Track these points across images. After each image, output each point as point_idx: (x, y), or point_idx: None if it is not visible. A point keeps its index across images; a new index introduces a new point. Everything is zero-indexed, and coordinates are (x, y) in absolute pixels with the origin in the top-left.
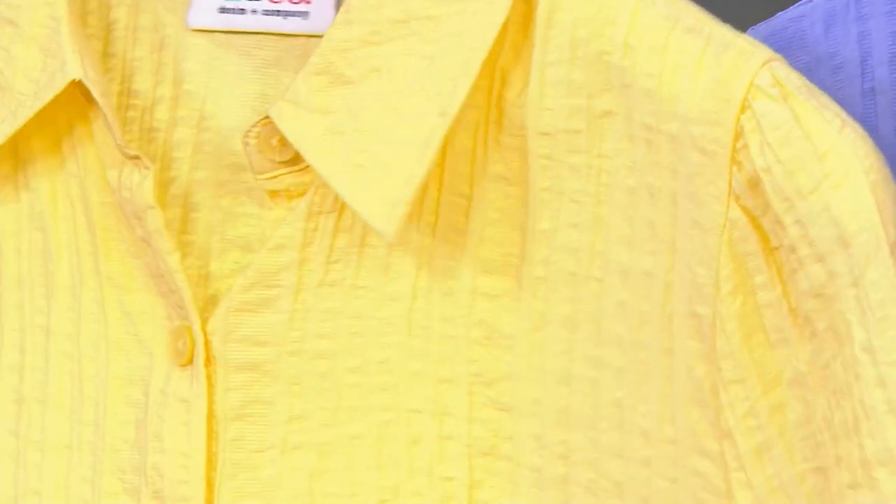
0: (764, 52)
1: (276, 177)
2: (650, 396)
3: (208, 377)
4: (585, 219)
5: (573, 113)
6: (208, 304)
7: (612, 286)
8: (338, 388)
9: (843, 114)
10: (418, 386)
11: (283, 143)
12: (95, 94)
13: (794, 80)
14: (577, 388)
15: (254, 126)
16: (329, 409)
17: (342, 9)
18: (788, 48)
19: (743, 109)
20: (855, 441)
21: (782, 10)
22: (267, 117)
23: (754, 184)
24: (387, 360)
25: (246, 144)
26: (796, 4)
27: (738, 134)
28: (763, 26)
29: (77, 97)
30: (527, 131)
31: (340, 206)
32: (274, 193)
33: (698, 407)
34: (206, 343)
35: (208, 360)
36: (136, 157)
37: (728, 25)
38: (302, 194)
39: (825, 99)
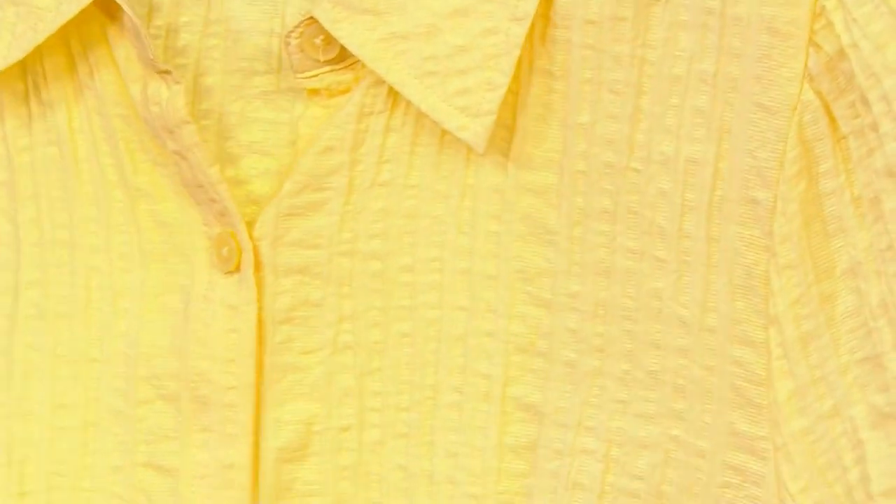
0: None
1: (317, 75)
2: (692, 285)
3: (256, 282)
4: (625, 110)
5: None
6: (251, 209)
7: (654, 176)
8: (389, 287)
9: None
10: (465, 283)
11: (328, 41)
12: (125, 6)
13: None
14: (617, 280)
15: (297, 26)
16: (379, 308)
17: None
18: None
19: None
20: None
21: None
22: (311, 17)
23: (832, 66)
24: (437, 258)
25: (287, 44)
26: None
27: (818, 14)
28: None
29: (95, 15)
30: (573, 21)
31: (391, 106)
32: (314, 92)
33: (744, 294)
34: (255, 249)
35: (257, 266)
36: (167, 72)
37: None
38: (343, 92)
39: None
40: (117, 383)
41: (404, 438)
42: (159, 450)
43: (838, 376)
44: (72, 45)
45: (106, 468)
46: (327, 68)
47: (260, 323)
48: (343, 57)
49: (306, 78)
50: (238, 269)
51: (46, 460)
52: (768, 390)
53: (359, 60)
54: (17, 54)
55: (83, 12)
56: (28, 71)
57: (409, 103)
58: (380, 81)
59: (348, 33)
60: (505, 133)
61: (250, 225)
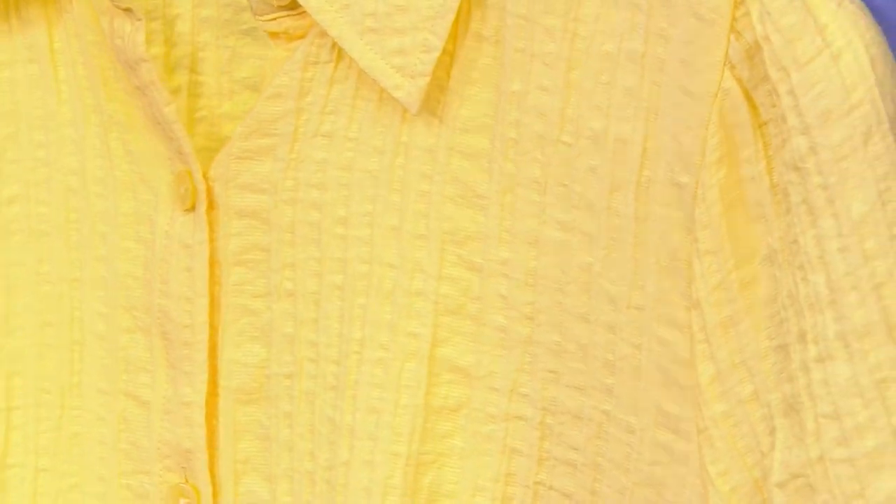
0: None
1: (275, 19)
2: (620, 263)
3: (210, 223)
4: (556, 83)
5: None
6: (223, 146)
7: (583, 151)
8: (325, 238)
9: None
10: (394, 241)
11: None
12: None
13: None
14: (546, 251)
15: None
16: (317, 258)
17: None
18: None
19: None
20: (829, 314)
21: None
22: None
23: (752, 54)
24: (369, 213)
25: None
26: None
27: (739, 2)
28: None
29: None
30: None
31: (336, 57)
32: (274, 35)
33: (670, 276)
34: (209, 190)
35: (210, 206)
36: (128, 9)
37: None
38: (302, 36)
39: None
40: (99, 307)
41: (333, 391)
42: (137, 380)
43: (758, 361)
44: None
45: (92, 389)
46: (283, 13)
47: (215, 263)
48: (295, 4)
49: (265, 21)
50: (193, 208)
51: (34, 376)
52: (692, 372)
53: None
54: None
55: None
56: None
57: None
58: (326, 32)
59: None
60: (439, 94)
61: (209, 165)
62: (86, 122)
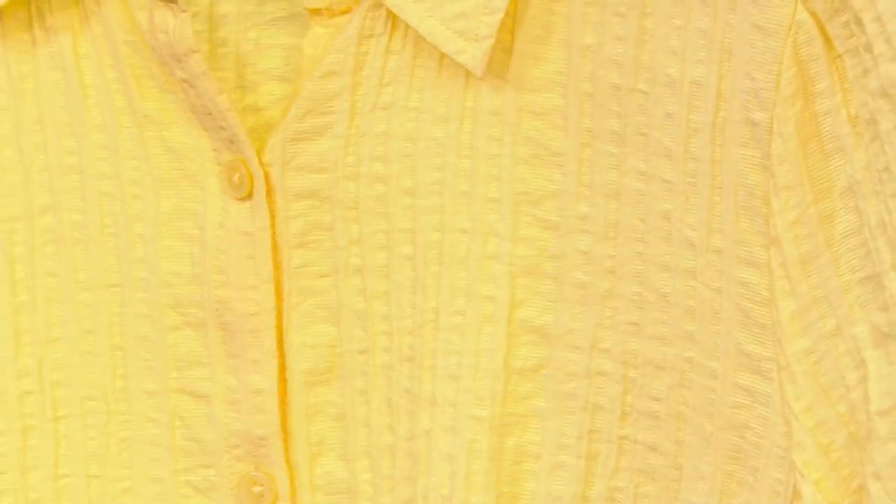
0: None
1: None
2: (698, 207)
3: (269, 208)
4: (630, 31)
5: None
6: (262, 135)
7: (660, 98)
8: (392, 210)
9: None
10: (466, 206)
11: None
12: None
13: None
14: (627, 202)
15: None
16: (384, 231)
17: None
18: None
19: None
20: None
21: None
22: None
23: None
24: (438, 181)
25: None
26: None
27: None
28: None
29: None
30: None
31: (391, 28)
32: (315, 12)
33: (748, 215)
34: (265, 175)
35: (268, 192)
36: (171, 2)
37: None
38: (344, 12)
39: None
40: (141, 309)
41: (409, 362)
42: (191, 376)
43: (840, 295)
44: None
45: (139, 392)
46: None
47: (275, 248)
48: None
49: None
50: (250, 195)
51: (78, 384)
52: (772, 310)
53: None
54: None
55: None
56: (32, 1)
57: (408, 25)
58: (378, 3)
59: None
60: (503, 56)
61: (261, 151)
62: (117, 125)
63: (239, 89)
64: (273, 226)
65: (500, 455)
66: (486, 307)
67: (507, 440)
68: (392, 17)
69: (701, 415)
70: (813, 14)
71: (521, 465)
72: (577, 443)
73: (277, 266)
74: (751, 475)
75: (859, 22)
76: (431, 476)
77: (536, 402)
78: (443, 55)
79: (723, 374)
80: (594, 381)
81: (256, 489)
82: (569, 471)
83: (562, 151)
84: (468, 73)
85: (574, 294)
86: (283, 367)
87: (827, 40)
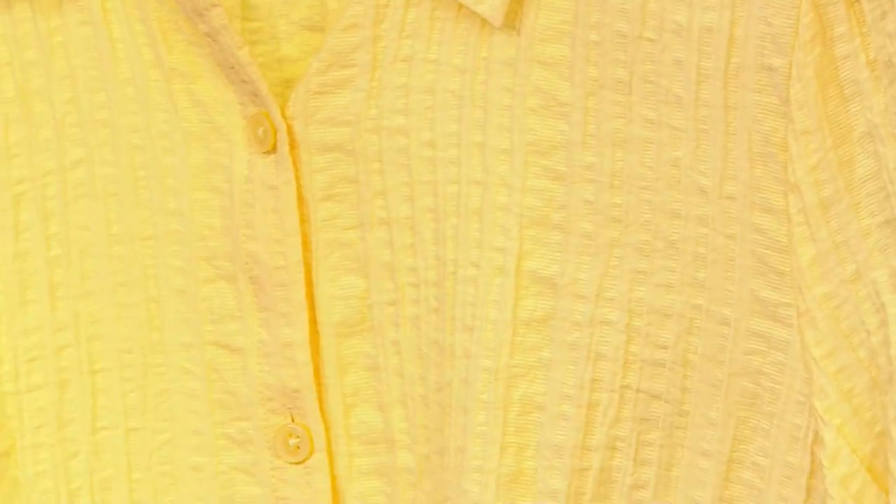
0: None
1: None
2: (711, 154)
3: (293, 161)
4: None
5: None
6: (286, 89)
7: (668, 45)
8: (413, 162)
9: None
10: (479, 158)
11: None
12: None
13: None
14: (634, 150)
15: None
16: (407, 183)
17: None
18: None
19: None
20: None
21: None
22: None
23: None
24: (455, 133)
25: None
26: None
27: None
28: None
29: None
30: None
31: None
32: None
33: (763, 162)
34: (289, 128)
35: (292, 145)
36: None
37: None
38: None
39: None
40: (175, 262)
41: (436, 314)
42: (225, 329)
43: (860, 240)
44: None
45: (175, 345)
46: None
47: (301, 201)
48: None
49: None
50: (274, 149)
51: (114, 338)
52: (790, 257)
53: None
54: None
55: None
56: None
57: None
58: None
59: None
60: (516, 6)
61: (285, 105)
62: (146, 79)
63: (273, 40)
64: (298, 179)
65: (507, 406)
66: (497, 258)
67: (514, 391)
68: None
69: (710, 362)
70: None
71: (528, 416)
72: (579, 392)
73: (304, 219)
74: (766, 421)
75: None
76: (452, 427)
77: (543, 353)
78: (460, 6)
79: (735, 321)
80: (598, 331)
81: (293, 441)
82: (570, 420)
83: (568, 101)
84: (483, 24)
85: (581, 244)
86: (314, 320)
87: None
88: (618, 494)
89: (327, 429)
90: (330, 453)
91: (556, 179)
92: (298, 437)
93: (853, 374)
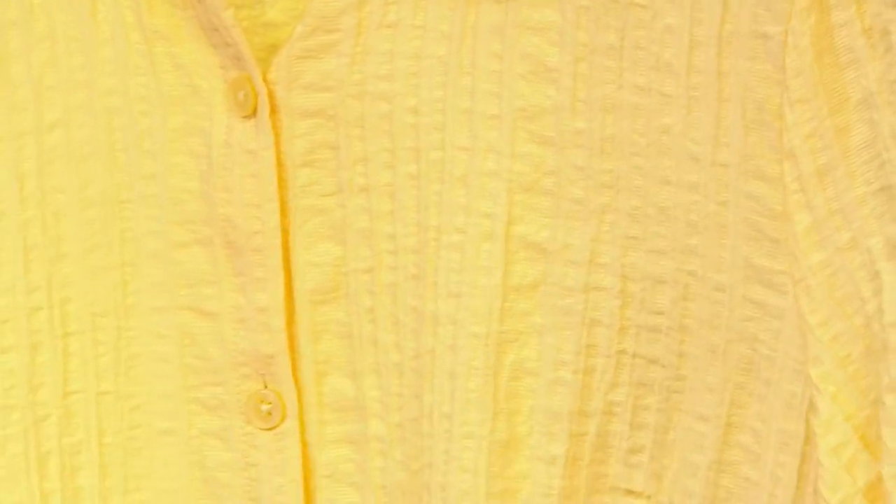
0: None
1: None
2: (703, 121)
3: (273, 126)
4: None
5: None
6: (269, 54)
7: (659, 11)
8: (396, 129)
9: None
10: (466, 124)
11: None
12: None
13: None
14: (624, 116)
15: None
16: (388, 150)
17: None
18: None
19: None
20: None
21: None
22: None
23: None
24: (440, 99)
25: None
26: None
27: None
28: None
29: None
30: None
31: None
32: None
33: (757, 129)
34: (270, 93)
35: (273, 110)
36: None
37: None
38: None
39: None
40: (150, 225)
41: (414, 280)
42: (200, 293)
43: (855, 208)
44: None
45: (148, 309)
46: None
47: (280, 167)
48: None
49: None
50: (254, 113)
51: (87, 301)
52: (785, 224)
53: None
54: None
55: None
56: None
57: None
58: None
59: None
60: None
61: (268, 69)
62: (126, 41)
63: (259, 4)
64: (278, 144)
65: (497, 372)
66: (484, 224)
67: (505, 357)
68: None
69: (706, 327)
70: None
71: (520, 381)
72: (575, 358)
73: (283, 185)
74: (763, 387)
75: None
76: (435, 394)
77: (534, 319)
78: None
79: (730, 287)
80: (592, 296)
81: (265, 407)
82: (567, 386)
83: (557, 67)
84: None
85: (571, 209)
86: (289, 287)
87: None
88: (614, 459)
89: (300, 396)
90: (301, 420)
91: (545, 145)
92: (270, 403)
93: (848, 341)
